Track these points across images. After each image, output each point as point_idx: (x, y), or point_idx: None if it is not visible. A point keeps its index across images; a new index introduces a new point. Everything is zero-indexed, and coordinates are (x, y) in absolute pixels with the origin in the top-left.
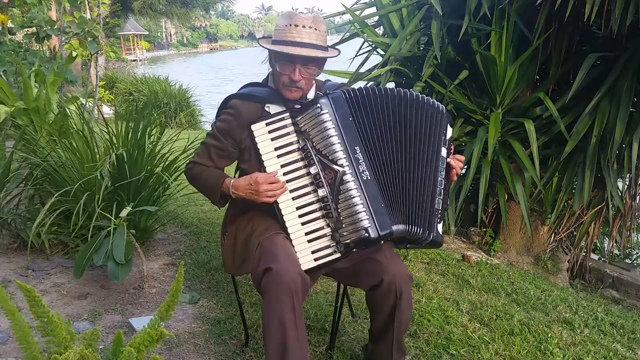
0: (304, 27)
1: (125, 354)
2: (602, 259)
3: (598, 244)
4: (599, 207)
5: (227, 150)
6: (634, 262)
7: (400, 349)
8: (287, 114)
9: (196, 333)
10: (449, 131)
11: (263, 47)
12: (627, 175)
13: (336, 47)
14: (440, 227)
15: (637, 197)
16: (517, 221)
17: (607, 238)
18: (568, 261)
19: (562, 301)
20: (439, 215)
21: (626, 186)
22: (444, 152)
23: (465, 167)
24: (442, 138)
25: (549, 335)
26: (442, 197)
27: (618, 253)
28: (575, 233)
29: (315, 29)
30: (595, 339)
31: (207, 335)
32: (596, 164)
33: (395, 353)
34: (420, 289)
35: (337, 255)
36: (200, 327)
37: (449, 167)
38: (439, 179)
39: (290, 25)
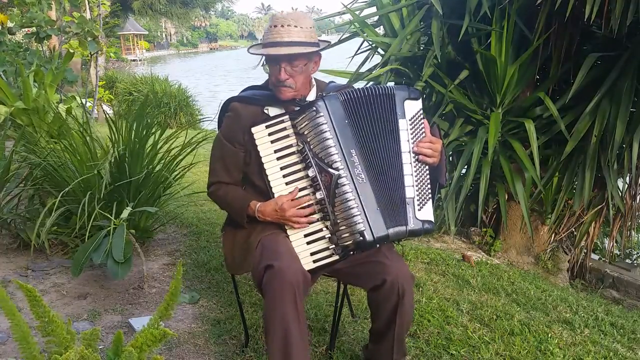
0: (282, 26)
1: (126, 353)
2: (603, 259)
3: (598, 244)
4: (599, 207)
5: (240, 158)
6: (634, 262)
7: (400, 349)
8: (287, 116)
9: (196, 333)
10: (412, 107)
11: (251, 53)
12: (628, 175)
13: (327, 41)
14: (424, 213)
15: (638, 197)
16: (517, 221)
17: (607, 238)
18: (568, 261)
19: (562, 301)
20: (418, 202)
21: (626, 186)
22: (405, 133)
23: (466, 167)
24: (396, 122)
25: (549, 335)
26: (418, 181)
27: (618, 253)
28: (575, 233)
29: (296, 26)
30: (596, 339)
31: (207, 335)
32: (596, 164)
33: (396, 354)
34: (420, 289)
35: (336, 257)
36: (200, 327)
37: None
38: (405, 165)
39: (271, 27)
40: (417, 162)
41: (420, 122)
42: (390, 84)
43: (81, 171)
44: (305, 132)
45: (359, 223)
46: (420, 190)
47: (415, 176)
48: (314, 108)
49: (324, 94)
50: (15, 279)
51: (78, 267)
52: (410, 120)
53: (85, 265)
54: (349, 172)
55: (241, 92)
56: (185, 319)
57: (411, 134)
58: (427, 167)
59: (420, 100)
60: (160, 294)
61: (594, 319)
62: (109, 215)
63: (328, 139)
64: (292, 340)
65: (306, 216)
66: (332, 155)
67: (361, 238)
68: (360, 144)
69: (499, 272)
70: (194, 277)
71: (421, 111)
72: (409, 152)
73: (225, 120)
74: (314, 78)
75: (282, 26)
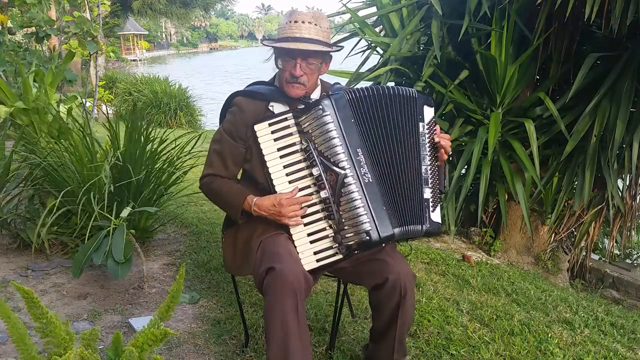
0: (303, 22)
1: (127, 353)
2: (603, 259)
3: (598, 244)
4: (599, 207)
5: (240, 153)
6: (634, 262)
7: (401, 349)
8: (290, 114)
9: (196, 333)
10: (428, 112)
11: (265, 45)
12: (628, 175)
13: (340, 45)
14: (436, 215)
15: (638, 197)
16: (517, 221)
17: (607, 238)
18: (568, 261)
19: (562, 301)
20: (432, 204)
21: (626, 186)
22: (424, 137)
23: (466, 167)
24: (418, 125)
25: (549, 335)
26: (432, 184)
27: (618, 253)
28: (575, 233)
29: (316, 25)
30: (596, 339)
31: (207, 335)
32: (596, 164)
33: (397, 353)
34: (421, 289)
35: (339, 256)
36: (200, 327)
37: (435, 148)
38: (423, 167)
39: (291, 22)
40: (433, 165)
41: (434, 128)
42: (390, 84)
43: (81, 171)
44: (310, 131)
45: (365, 222)
46: (433, 193)
47: (431, 178)
48: (320, 106)
49: (331, 93)
50: (13, 280)
51: (78, 268)
52: (427, 124)
53: (86, 265)
54: (355, 171)
55: (247, 86)
56: (185, 319)
57: (428, 138)
58: (437, 170)
59: (433, 108)
60: (160, 294)
61: (594, 319)
62: (109, 216)
63: (334, 137)
64: (292, 343)
65: (305, 216)
66: (338, 154)
67: (367, 237)
68: (367, 143)
69: (499, 272)
70: (194, 277)
71: (434, 118)
72: (428, 155)
73: (228, 114)
74: (319, 78)
75: (303, 22)
